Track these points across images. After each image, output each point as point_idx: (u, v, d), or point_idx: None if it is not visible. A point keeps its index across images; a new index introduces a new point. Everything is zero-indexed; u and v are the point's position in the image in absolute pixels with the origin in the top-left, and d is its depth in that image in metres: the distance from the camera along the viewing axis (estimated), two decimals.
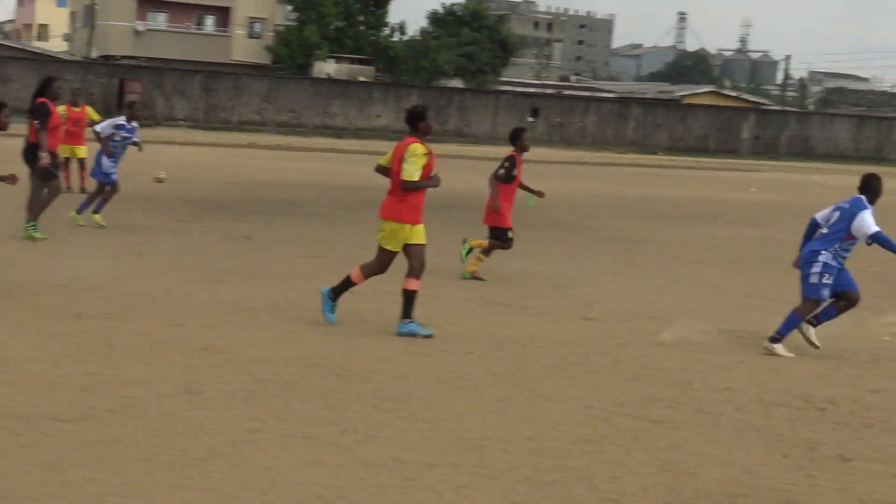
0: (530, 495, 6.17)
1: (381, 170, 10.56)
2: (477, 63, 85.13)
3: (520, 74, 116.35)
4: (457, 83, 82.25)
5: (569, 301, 12.64)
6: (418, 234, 10.22)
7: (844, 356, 10.42)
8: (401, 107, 64.90)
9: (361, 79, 70.19)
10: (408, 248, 10.20)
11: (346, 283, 10.45)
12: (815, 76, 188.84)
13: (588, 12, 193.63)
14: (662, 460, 6.93)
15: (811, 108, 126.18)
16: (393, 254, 10.29)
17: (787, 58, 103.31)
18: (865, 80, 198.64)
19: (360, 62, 75.45)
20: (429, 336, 10.07)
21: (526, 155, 14.06)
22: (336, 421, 7.35)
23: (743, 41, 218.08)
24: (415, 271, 10.15)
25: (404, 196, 10.14)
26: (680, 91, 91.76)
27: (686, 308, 12.60)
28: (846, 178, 49.96)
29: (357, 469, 6.43)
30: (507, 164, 13.72)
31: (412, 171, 10.02)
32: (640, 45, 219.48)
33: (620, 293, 13.44)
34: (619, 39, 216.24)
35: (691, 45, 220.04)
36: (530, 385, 8.61)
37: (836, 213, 10.37)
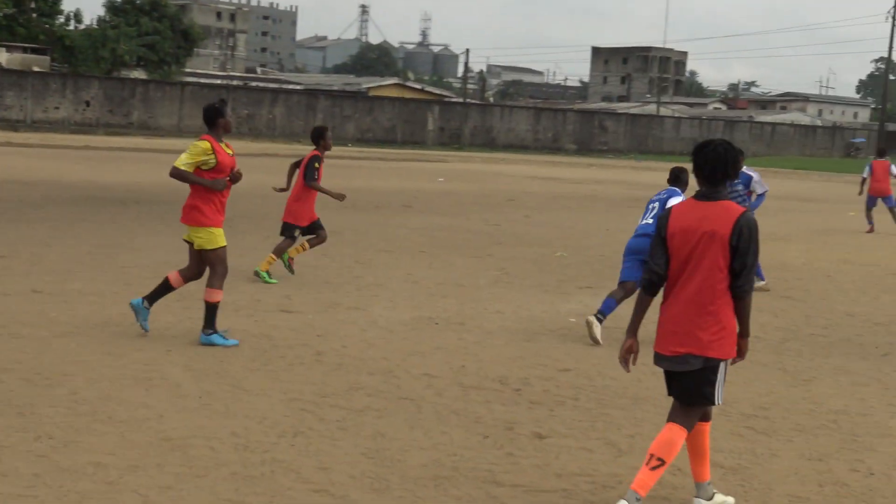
0: (238, 491, 6.09)
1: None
2: (159, 54, 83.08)
3: (205, 66, 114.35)
4: (139, 74, 79.93)
5: (266, 294, 12.55)
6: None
7: (535, 338, 10.88)
8: (80, 98, 62.48)
9: (36, 69, 66.90)
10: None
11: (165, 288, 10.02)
12: (493, 69, 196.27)
13: (271, 3, 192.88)
14: (368, 448, 7.00)
15: (491, 100, 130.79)
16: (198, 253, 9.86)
17: (467, 51, 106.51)
18: (540, 73, 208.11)
19: (34, 51, 71.93)
20: (234, 345, 9.68)
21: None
22: (29, 428, 6.98)
23: (424, 34, 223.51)
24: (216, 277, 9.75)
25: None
26: (366, 83, 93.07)
27: (381, 297, 12.79)
28: (526, 168, 52.26)
29: (55, 476, 6.13)
30: (316, 165, 13.55)
31: (183, 160, 9.64)
32: (324, 38, 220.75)
33: (317, 284, 13.48)
34: (303, 31, 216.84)
35: (374, 38, 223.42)
36: (233, 380, 8.49)
37: (656, 205, 11.11)
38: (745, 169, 15.15)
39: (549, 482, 6.53)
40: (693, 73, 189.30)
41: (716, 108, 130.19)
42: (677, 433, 5.87)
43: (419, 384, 8.75)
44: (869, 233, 25.26)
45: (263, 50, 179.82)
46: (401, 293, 13.19)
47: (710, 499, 6.14)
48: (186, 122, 63.98)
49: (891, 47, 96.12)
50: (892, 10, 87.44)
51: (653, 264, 5.99)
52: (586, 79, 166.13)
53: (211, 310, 9.72)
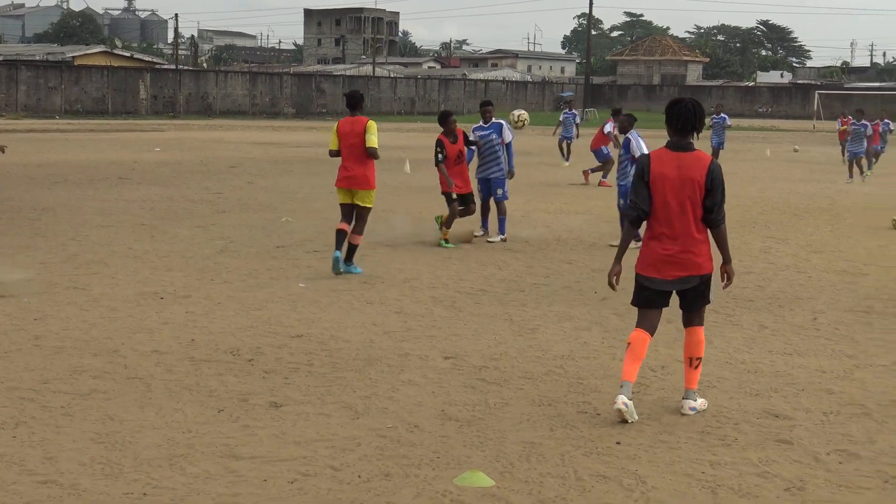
0: None
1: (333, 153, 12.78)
2: None
3: None
4: None
5: None
6: None
7: (265, 306, 10.74)
8: None
9: None
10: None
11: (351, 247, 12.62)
12: (204, 34, 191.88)
13: None
14: (97, 433, 6.72)
15: (205, 65, 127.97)
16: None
17: (175, 16, 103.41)
18: (253, 37, 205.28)
19: None
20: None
21: None
22: None
23: (129, 0, 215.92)
24: None
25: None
26: (71, 52, 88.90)
27: (102, 274, 12.30)
28: (246, 134, 51.51)
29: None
30: None
31: None
32: (22, 6, 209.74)
33: (32, 265, 12.82)
34: None
35: (76, 5, 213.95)
36: None
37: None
38: (494, 119, 16.21)
39: (287, 450, 6.46)
40: (406, 34, 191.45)
41: (430, 68, 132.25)
42: (699, 332, 7.46)
43: (148, 362, 8.47)
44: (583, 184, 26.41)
45: None
46: (122, 269, 12.73)
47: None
48: None
49: (591, 3, 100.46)
50: None
51: (640, 203, 7.19)
52: (300, 41, 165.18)
53: None
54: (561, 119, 34.72)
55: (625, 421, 7.06)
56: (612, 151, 26.83)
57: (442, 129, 15.35)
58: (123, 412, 7.16)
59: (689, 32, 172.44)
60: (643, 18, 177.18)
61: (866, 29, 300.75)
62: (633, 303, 7.50)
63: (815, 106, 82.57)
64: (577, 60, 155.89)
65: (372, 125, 12.56)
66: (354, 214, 12.69)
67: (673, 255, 7.19)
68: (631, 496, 5.83)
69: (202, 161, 31.60)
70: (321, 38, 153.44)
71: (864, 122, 30.65)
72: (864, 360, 8.98)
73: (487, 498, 5.77)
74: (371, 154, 12.47)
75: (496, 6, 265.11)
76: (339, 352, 8.94)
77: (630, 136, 15.20)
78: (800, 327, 10.23)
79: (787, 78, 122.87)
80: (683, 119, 7.16)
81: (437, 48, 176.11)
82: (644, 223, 7.36)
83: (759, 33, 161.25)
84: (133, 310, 10.42)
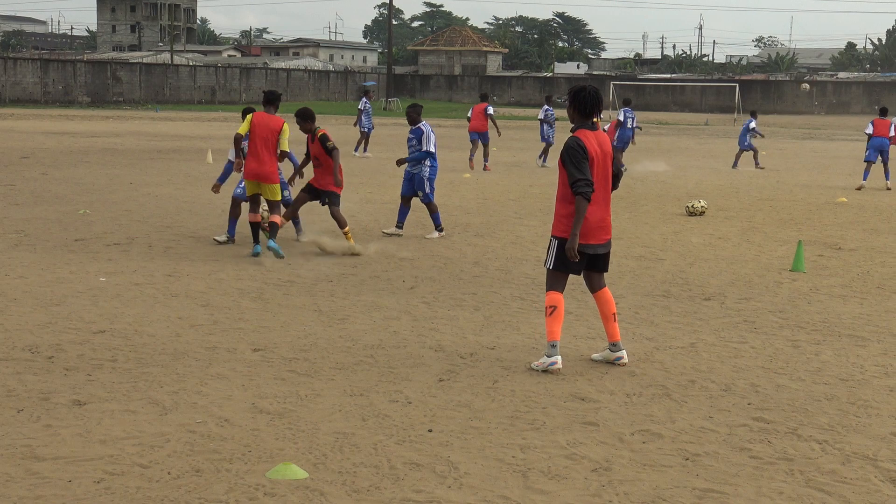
0: None
1: None
2: None
3: None
4: None
5: None
6: None
7: (64, 301, 10.37)
8: None
9: None
10: None
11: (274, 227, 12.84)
12: None
13: None
14: None
15: None
16: None
17: None
18: (43, 22, 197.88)
19: None
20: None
21: None
22: None
23: None
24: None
25: None
26: None
27: None
28: (39, 123, 49.59)
29: None
30: None
31: None
32: None
33: None
34: None
35: None
36: None
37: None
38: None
39: (92, 450, 6.25)
40: (205, 21, 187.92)
41: (230, 56, 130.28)
42: (608, 291, 8.45)
43: None
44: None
45: None
46: None
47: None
48: None
49: None
50: None
51: (590, 179, 7.91)
52: (94, 28, 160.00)
53: None
54: (361, 108, 34.62)
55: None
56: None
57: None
58: None
59: (488, 23, 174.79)
60: (443, 9, 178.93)
61: (657, 22, 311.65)
62: (556, 267, 8.17)
63: (611, 96, 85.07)
64: (379, 50, 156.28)
65: (287, 129, 13.13)
66: (264, 202, 13.39)
67: (602, 220, 8.20)
68: (444, 482, 5.89)
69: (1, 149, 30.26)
70: (115, 24, 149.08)
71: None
72: (663, 342, 9.31)
73: (301, 490, 5.72)
74: (283, 156, 13.22)
75: None
76: (144, 347, 8.71)
77: (423, 128, 15.44)
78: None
79: (584, 69, 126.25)
80: (592, 103, 8.08)
81: (237, 36, 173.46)
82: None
83: (555, 25, 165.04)
84: None
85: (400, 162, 15.86)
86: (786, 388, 7.92)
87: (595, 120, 8.20)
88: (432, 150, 15.42)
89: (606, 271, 8.51)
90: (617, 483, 5.95)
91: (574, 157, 7.92)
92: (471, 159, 28.68)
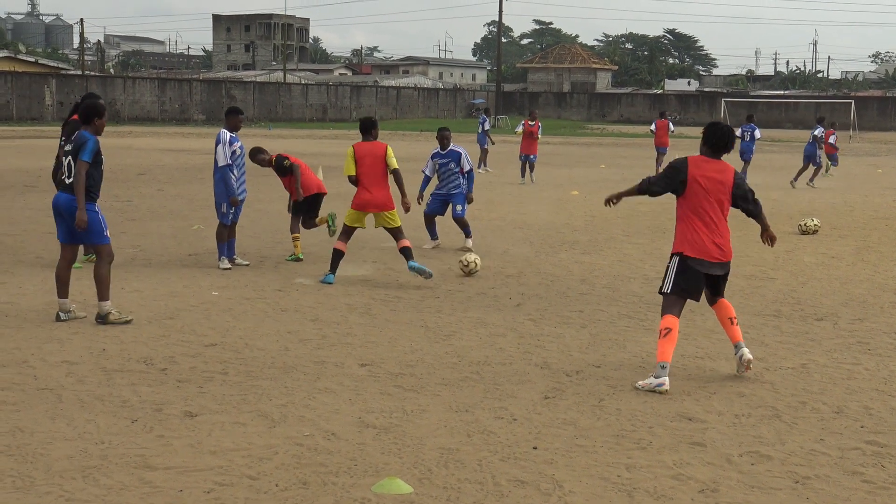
0: None
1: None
2: None
3: None
4: None
5: None
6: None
7: (177, 315, 10.61)
8: None
9: None
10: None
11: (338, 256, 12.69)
12: (111, 39, 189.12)
13: None
14: (6, 445, 6.57)
15: (112, 71, 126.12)
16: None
17: (81, 21, 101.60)
18: (161, 42, 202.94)
19: None
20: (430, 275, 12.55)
21: None
22: None
23: (32, 4, 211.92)
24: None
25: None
26: None
27: (9, 283, 12.04)
28: (155, 140, 50.85)
29: None
30: None
31: None
32: None
33: None
34: None
35: None
36: None
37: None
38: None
39: (203, 460, 6.38)
40: (317, 40, 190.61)
41: (341, 74, 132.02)
42: (726, 301, 8.85)
43: (58, 372, 8.31)
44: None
45: None
46: (30, 278, 12.48)
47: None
48: None
49: (501, 11, 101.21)
50: None
51: (659, 184, 8.68)
52: (210, 47, 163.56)
53: None
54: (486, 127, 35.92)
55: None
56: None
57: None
58: (34, 424, 7.01)
59: (597, 40, 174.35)
60: (552, 26, 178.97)
61: (769, 38, 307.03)
62: (673, 290, 8.46)
63: (722, 113, 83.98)
64: (488, 68, 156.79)
65: (391, 150, 13.05)
66: (388, 231, 12.99)
67: (712, 241, 8.47)
68: (548, 500, 5.87)
69: (111, 168, 31.07)
70: (230, 43, 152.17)
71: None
72: (773, 362, 9.16)
73: None
74: (396, 174, 12.92)
75: (406, 13, 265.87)
76: (253, 360, 8.87)
77: (458, 149, 15.85)
78: (711, 331, 10.40)
79: (694, 86, 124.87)
80: (719, 142, 8.62)
81: (349, 55, 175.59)
82: None
83: (666, 42, 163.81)
84: (43, 320, 10.22)
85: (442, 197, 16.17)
86: None
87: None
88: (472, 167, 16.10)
89: (722, 295, 8.77)
90: None
91: (666, 170, 8.70)
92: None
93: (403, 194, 13.12)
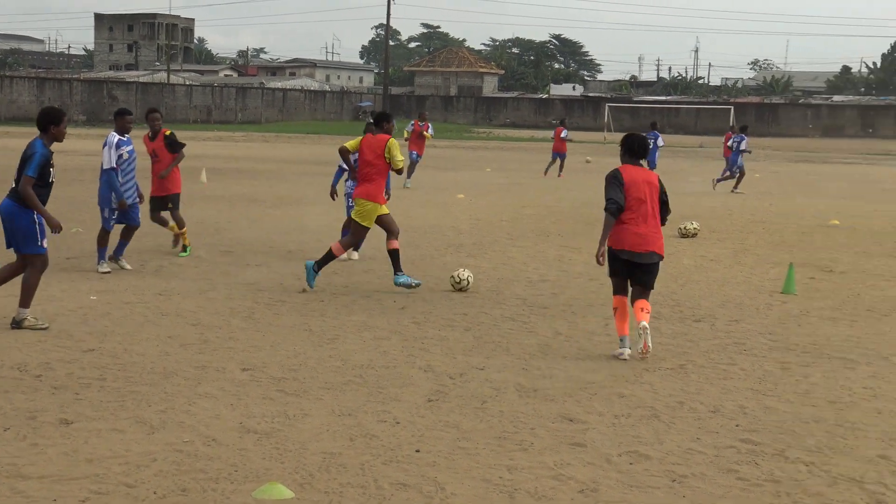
0: None
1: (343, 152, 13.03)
2: None
3: None
4: None
5: None
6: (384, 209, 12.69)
7: (54, 320, 10.36)
8: None
9: None
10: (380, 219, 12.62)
11: (329, 256, 12.41)
12: None
13: None
14: None
15: None
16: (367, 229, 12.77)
17: None
18: (41, 41, 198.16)
19: None
20: (417, 285, 12.45)
21: None
22: None
23: None
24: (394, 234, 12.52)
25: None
26: None
27: None
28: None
29: None
30: None
31: None
32: None
33: None
34: None
35: None
36: None
37: None
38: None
39: (78, 469, 6.24)
40: (202, 40, 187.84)
41: (227, 76, 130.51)
42: (646, 303, 9.71)
43: None
44: None
45: None
46: None
47: None
48: None
49: (389, 14, 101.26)
50: None
51: (618, 200, 9.37)
52: (91, 47, 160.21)
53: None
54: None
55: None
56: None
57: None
58: None
59: (484, 45, 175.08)
60: (440, 30, 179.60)
61: (653, 45, 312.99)
62: (609, 274, 9.78)
63: (606, 118, 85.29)
64: (376, 71, 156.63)
65: (392, 143, 12.69)
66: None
67: (639, 233, 9.48)
68: (430, 503, 5.88)
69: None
70: (113, 43, 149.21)
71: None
72: (652, 363, 9.32)
73: None
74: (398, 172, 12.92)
75: (293, 15, 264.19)
76: (132, 365, 8.71)
77: None
78: (592, 333, 10.54)
79: (579, 91, 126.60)
80: (638, 149, 9.70)
81: (234, 56, 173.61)
82: None
83: (552, 47, 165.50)
84: None
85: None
86: (774, 410, 7.92)
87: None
88: None
89: (649, 287, 9.69)
90: None
91: (610, 184, 9.49)
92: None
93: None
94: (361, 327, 10.49)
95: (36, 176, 9.83)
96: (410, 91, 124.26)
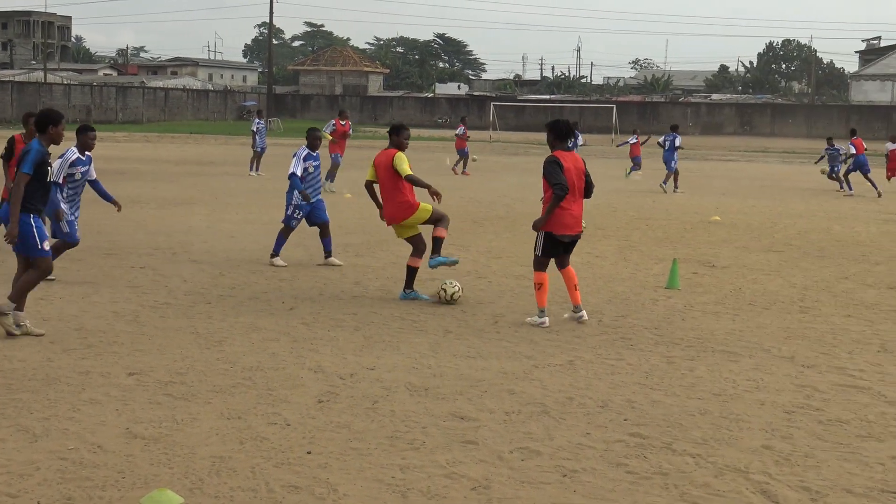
0: None
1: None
2: None
3: None
4: None
5: None
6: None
7: None
8: None
9: None
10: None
11: (411, 272, 12.38)
12: None
13: None
14: None
15: None
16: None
17: None
18: None
19: None
20: (455, 262, 12.58)
21: None
22: None
23: None
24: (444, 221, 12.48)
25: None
26: None
27: None
28: None
29: None
30: None
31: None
32: None
33: None
34: None
35: None
36: None
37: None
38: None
39: None
40: (80, 39, 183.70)
41: (106, 75, 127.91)
42: (572, 268, 11.22)
43: None
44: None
45: None
46: None
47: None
48: None
49: (272, 12, 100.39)
50: None
51: (565, 183, 10.60)
52: None
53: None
54: (254, 129, 35.23)
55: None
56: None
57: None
58: None
59: (369, 44, 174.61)
60: (324, 29, 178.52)
61: (536, 44, 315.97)
62: (544, 254, 10.86)
63: (491, 117, 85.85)
64: (259, 70, 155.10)
65: (399, 156, 12.27)
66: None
67: (577, 216, 10.95)
68: None
69: None
70: None
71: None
72: (541, 360, 9.40)
73: None
74: (410, 180, 12.25)
75: (174, 13, 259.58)
76: (13, 372, 8.47)
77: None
78: (482, 331, 10.60)
79: (465, 90, 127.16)
80: (566, 132, 10.91)
81: (114, 55, 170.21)
82: None
83: (436, 46, 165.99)
84: None
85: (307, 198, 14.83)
86: (661, 404, 8.06)
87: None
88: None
89: (570, 253, 11.12)
90: (496, 501, 5.97)
91: (554, 169, 10.59)
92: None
93: (429, 187, 12.10)
94: (249, 329, 10.38)
95: (32, 173, 9.61)
96: (295, 90, 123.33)
